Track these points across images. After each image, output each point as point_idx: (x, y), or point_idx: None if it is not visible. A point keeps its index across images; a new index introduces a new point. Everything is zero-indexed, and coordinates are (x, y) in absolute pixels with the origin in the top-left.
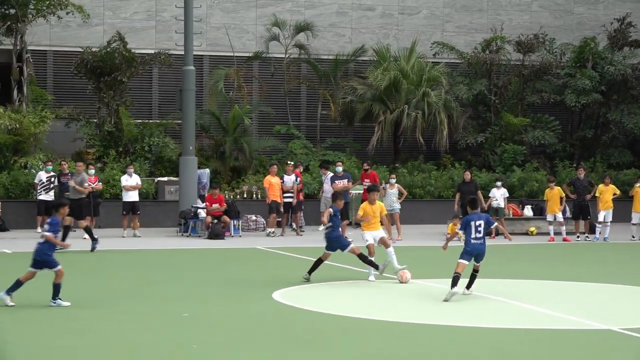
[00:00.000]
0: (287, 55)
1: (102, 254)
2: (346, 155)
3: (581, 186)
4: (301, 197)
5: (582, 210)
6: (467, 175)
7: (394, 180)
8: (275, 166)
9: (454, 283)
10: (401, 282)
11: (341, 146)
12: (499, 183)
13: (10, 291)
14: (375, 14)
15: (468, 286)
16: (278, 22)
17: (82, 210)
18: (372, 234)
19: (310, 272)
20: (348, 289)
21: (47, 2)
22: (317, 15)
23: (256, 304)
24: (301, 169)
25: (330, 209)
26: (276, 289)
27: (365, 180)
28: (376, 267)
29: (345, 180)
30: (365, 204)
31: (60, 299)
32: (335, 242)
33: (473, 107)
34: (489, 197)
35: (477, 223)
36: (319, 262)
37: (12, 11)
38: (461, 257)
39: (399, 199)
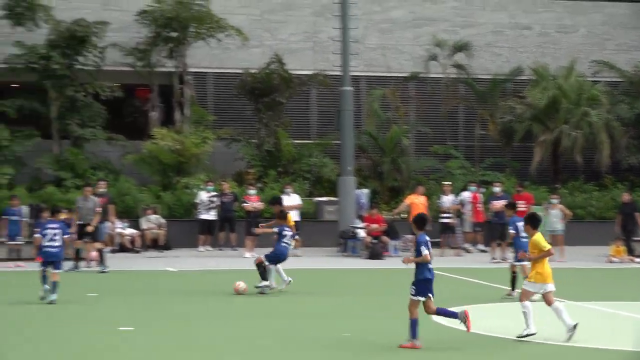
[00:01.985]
0: (444, 75)
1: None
2: (505, 175)
3: None
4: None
5: None
6: (626, 197)
7: (556, 201)
8: (421, 187)
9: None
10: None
11: (500, 166)
12: None
13: None
14: (532, 33)
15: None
16: (438, 42)
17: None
18: None
19: None
20: (511, 310)
21: (208, 26)
22: (474, 34)
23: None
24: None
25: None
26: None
27: (519, 202)
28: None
29: (504, 201)
30: None
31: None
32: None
33: (635, 126)
34: None
35: None
36: None
37: (174, 34)
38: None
39: (563, 220)
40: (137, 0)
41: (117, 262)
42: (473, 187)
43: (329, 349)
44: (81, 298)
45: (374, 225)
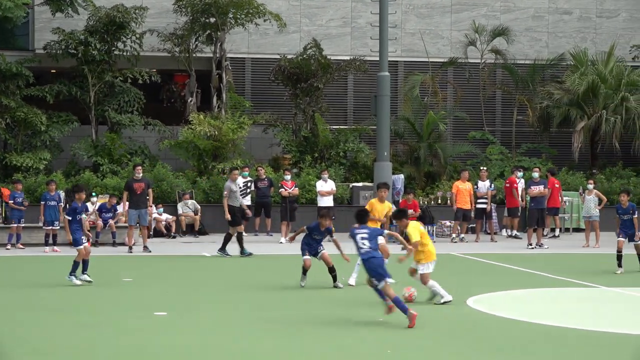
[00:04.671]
0: (482, 61)
1: (294, 260)
2: (542, 161)
3: None
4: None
5: None
6: None
7: (591, 186)
8: (466, 172)
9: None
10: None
11: (537, 152)
12: None
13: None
14: (572, 18)
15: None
16: (476, 28)
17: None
18: None
19: None
20: (544, 296)
21: (246, 11)
22: (513, 19)
23: (449, 309)
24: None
25: None
26: (470, 295)
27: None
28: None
29: (542, 187)
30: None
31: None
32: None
33: None
34: None
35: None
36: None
37: (212, 20)
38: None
39: (599, 206)
40: None
41: (153, 247)
42: (520, 173)
43: (360, 334)
44: (116, 282)
45: (410, 211)
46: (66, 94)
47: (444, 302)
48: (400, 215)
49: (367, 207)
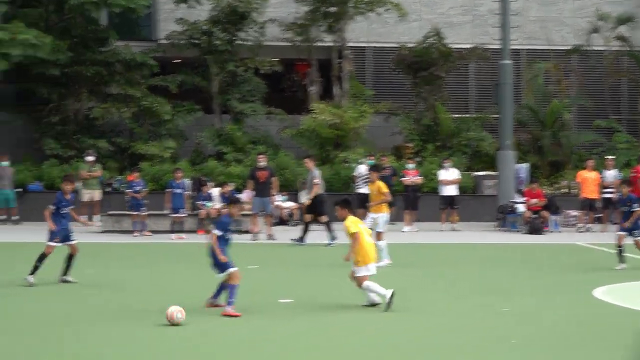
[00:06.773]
0: (607, 48)
1: (418, 248)
2: None
3: None
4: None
5: None
6: None
7: None
8: (591, 160)
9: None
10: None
11: None
12: None
13: None
14: None
15: None
16: (601, 15)
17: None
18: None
19: None
20: None
21: (366, 0)
22: (638, 5)
23: (576, 300)
24: None
25: None
26: (596, 286)
27: None
28: None
29: None
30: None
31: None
32: None
33: None
34: None
35: None
36: None
37: (333, 9)
38: None
39: None
40: None
41: (276, 235)
42: None
43: (486, 323)
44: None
45: (534, 200)
46: (190, 83)
47: (381, 303)
48: (343, 203)
49: None
